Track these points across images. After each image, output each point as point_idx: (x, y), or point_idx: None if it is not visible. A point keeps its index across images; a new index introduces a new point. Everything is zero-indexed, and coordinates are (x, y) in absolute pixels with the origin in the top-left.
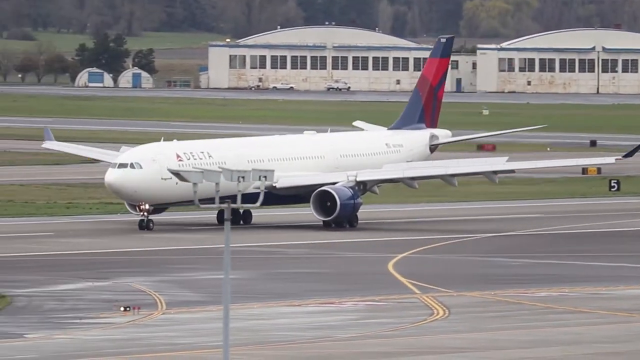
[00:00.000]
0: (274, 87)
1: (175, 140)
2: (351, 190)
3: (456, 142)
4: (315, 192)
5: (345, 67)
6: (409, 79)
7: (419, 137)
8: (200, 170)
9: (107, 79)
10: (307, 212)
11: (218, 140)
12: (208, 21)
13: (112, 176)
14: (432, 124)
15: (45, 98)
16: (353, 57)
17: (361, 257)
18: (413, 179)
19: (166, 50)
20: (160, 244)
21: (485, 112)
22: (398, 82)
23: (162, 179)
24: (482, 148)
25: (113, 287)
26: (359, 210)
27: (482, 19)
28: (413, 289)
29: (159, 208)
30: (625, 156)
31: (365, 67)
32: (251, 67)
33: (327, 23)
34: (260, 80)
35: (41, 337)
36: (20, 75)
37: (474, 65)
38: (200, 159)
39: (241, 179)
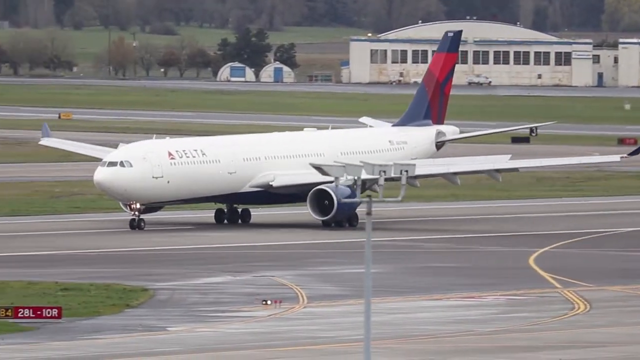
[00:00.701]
0: (415, 82)
1: (167, 138)
2: (349, 189)
3: (463, 138)
4: (312, 190)
5: (486, 62)
6: (550, 73)
7: (424, 134)
8: (342, 164)
9: (249, 73)
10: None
11: (212, 137)
12: (349, 15)
13: (101, 175)
14: (439, 121)
15: (187, 92)
16: (494, 51)
17: (501, 252)
18: (414, 177)
19: (307, 44)
20: (304, 237)
21: (627, 106)
22: (539, 76)
23: (153, 177)
24: (623, 142)
25: (255, 280)
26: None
27: (624, 13)
28: (554, 284)
29: (152, 207)
30: (631, 154)
31: (506, 62)
32: (392, 62)
33: (468, 18)
34: (401, 74)
35: (184, 330)
36: (162, 70)
37: (616, 60)
38: (194, 157)
39: (382, 173)
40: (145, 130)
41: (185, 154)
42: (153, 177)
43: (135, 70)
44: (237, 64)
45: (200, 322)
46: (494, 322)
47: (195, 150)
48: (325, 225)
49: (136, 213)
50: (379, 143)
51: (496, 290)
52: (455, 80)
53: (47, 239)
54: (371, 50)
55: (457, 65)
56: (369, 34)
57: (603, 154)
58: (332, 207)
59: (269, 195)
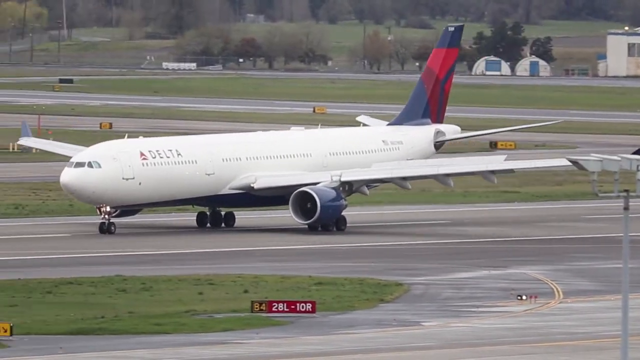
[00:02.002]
0: None
1: (141, 137)
2: (335, 191)
3: (464, 138)
4: (295, 193)
5: None
6: None
7: (421, 134)
8: (600, 158)
9: (505, 67)
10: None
11: (190, 137)
12: (606, 9)
13: (67, 176)
14: (439, 119)
15: None
16: None
17: None
18: (403, 179)
19: (563, 38)
20: (560, 232)
21: None
22: None
23: (123, 179)
24: None
25: (509, 275)
26: None
27: None
28: None
29: (128, 210)
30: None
31: None
32: None
33: None
34: None
35: (438, 325)
36: (417, 64)
37: None
38: (168, 157)
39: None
40: None
41: (159, 154)
42: (123, 179)
43: (390, 64)
44: (492, 58)
45: (454, 317)
46: None
47: (170, 150)
48: (312, 229)
49: (106, 217)
50: (371, 143)
51: None
52: None
53: (299, 234)
54: (628, 43)
55: None
56: (626, 28)
57: None
58: (315, 210)
59: (251, 197)
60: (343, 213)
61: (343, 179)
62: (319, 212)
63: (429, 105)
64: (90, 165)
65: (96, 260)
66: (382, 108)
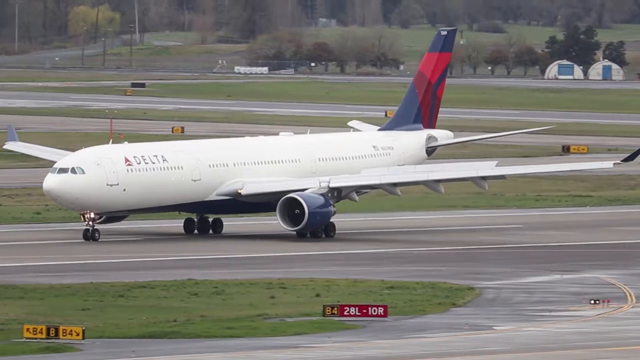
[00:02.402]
0: None
1: (125, 143)
2: (323, 197)
3: (456, 143)
4: (282, 199)
5: None
6: None
7: (413, 139)
8: None
9: (577, 71)
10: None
11: (176, 142)
12: None
13: (50, 182)
14: (431, 125)
15: (514, 90)
16: None
17: None
18: (393, 185)
19: (636, 42)
20: (633, 236)
21: None
22: None
23: (107, 185)
24: None
25: (582, 279)
26: None
27: None
28: None
29: (114, 217)
30: (625, 160)
31: None
32: None
33: None
34: None
35: (510, 329)
36: (489, 68)
37: None
38: (153, 163)
39: None
40: (471, 128)
41: (144, 159)
42: (107, 185)
43: (463, 68)
44: (565, 62)
45: (526, 322)
46: None
47: (155, 156)
48: (300, 235)
49: (90, 223)
50: (361, 148)
51: None
52: None
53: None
54: None
55: None
56: None
57: None
58: (303, 217)
59: (238, 204)
60: (332, 219)
61: (331, 185)
62: (306, 219)
63: (420, 111)
64: (73, 171)
65: (168, 264)
66: (454, 112)
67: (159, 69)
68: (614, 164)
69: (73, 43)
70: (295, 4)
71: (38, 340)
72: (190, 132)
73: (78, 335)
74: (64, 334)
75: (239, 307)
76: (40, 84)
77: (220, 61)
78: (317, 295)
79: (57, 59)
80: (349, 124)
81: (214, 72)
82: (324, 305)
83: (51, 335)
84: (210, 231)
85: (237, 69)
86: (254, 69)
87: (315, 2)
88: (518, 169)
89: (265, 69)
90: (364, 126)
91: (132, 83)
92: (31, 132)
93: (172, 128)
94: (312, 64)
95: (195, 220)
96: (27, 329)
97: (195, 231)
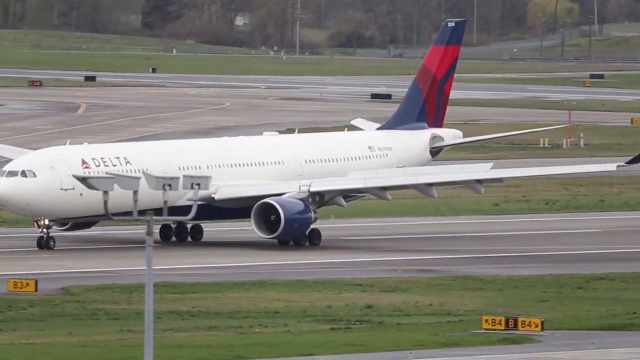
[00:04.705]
0: None
1: (85, 144)
2: (302, 202)
3: (464, 143)
4: (257, 204)
5: None
6: None
7: (415, 139)
8: None
9: None
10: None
11: (141, 143)
12: None
13: None
14: (437, 123)
15: None
16: None
17: None
18: (382, 189)
19: None
20: None
21: None
22: None
23: (61, 189)
24: None
25: None
26: None
27: None
28: None
29: (84, 223)
30: (630, 162)
31: None
32: None
33: None
34: None
35: None
36: None
37: None
38: (114, 165)
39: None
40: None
41: (104, 162)
42: (62, 189)
43: None
44: None
45: None
46: None
47: (117, 158)
48: (282, 244)
49: (44, 230)
50: (354, 149)
51: None
52: None
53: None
54: None
55: None
56: None
57: None
58: (279, 223)
59: (212, 209)
60: (316, 226)
61: (312, 189)
62: (282, 226)
63: (424, 108)
64: (24, 174)
65: (627, 256)
66: None
67: (618, 60)
68: (618, 166)
69: (531, 34)
70: None
71: (497, 331)
72: None
73: (537, 326)
74: (523, 325)
75: None
76: (498, 75)
77: None
78: None
79: (515, 50)
80: (352, 122)
81: None
82: None
83: (510, 326)
84: (189, 239)
85: None
86: None
87: None
88: (516, 172)
89: None
90: (368, 125)
91: (591, 74)
92: (486, 123)
93: (632, 119)
94: None
95: (173, 227)
96: (486, 320)
97: (173, 238)
